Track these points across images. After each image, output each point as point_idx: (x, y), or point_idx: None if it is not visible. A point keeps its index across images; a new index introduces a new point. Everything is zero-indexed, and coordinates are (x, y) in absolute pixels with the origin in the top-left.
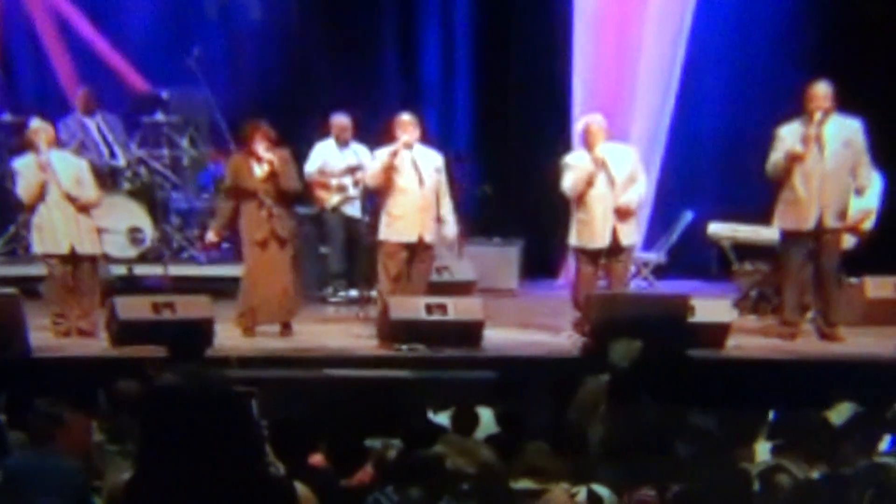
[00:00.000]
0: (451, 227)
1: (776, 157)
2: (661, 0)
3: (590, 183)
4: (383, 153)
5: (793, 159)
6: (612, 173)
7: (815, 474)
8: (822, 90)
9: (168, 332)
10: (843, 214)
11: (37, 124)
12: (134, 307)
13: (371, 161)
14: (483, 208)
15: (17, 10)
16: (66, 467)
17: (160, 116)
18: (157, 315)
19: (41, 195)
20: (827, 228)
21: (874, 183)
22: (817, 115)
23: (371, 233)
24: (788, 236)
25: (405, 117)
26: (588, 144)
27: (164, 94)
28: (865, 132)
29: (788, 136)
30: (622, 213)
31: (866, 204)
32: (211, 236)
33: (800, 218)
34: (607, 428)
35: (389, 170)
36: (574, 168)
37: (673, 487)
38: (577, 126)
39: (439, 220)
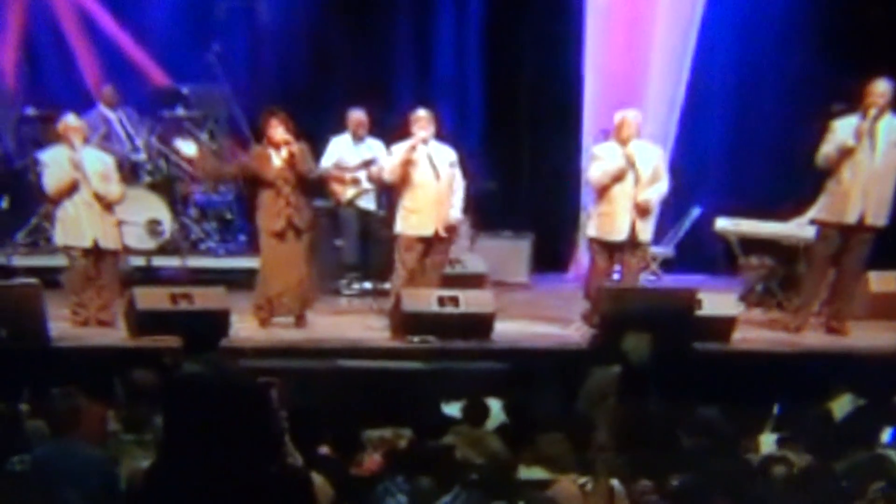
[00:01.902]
0: (456, 213)
1: (827, 148)
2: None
3: (618, 178)
4: (400, 148)
5: (845, 152)
6: (638, 170)
7: (817, 465)
8: (881, 87)
9: (185, 323)
10: (884, 213)
11: (73, 121)
12: (152, 298)
13: (387, 156)
14: (494, 202)
15: (41, 6)
16: (92, 456)
17: (181, 111)
18: (174, 305)
19: (70, 192)
20: (866, 225)
21: None
22: (872, 111)
23: (387, 226)
24: (825, 227)
25: (421, 113)
26: (621, 138)
27: (185, 89)
28: None
29: (842, 129)
30: (641, 210)
31: None
32: (194, 153)
33: (843, 210)
34: (615, 419)
35: (407, 164)
36: (602, 160)
37: (673, 479)
38: (615, 117)
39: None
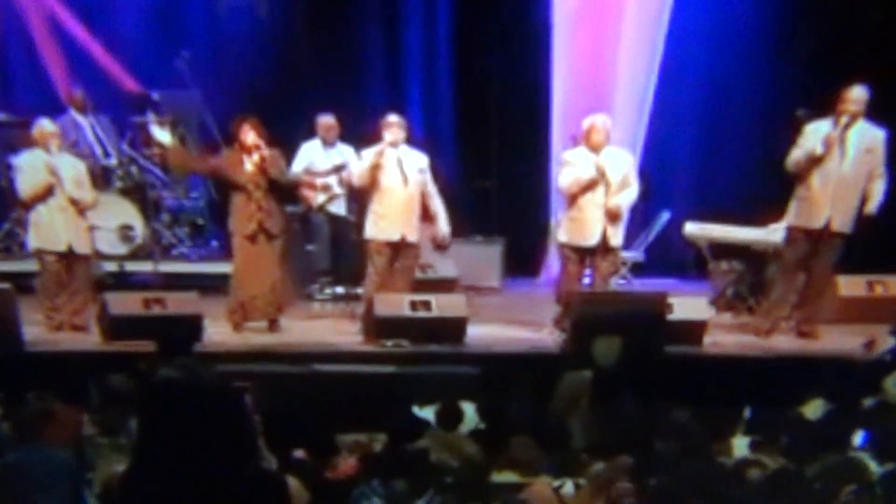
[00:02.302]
0: (444, 224)
1: (798, 153)
2: (637, 5)
3: (588, 188)
4: (370, 153)
5: (813, 161)
6: (608, 177)
7: (790, 469)
8: (855, 94)
9: (158, 328)
10: (850, 220)
11: (49, 126)
12: (125, 303)
13: (357, 161)
14: (465, 208)
15: (11, 13)
16: (59, 460)
17: (151, 116)
18: (147, 310)
19: (45, 196)
20: (833, 231)
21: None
22: (843, 119)
23: (357, 231)
24: (795, 232)
25: (392, 118)
26: (591, 143)
27: (155, 95)
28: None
29: (813, 134)
30: (612, 215)
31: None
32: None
33: (811, 216)
34: (588, 423)
35: (375, 169)
36: (573, 166)
37: (651, 481)
38: (584, 123)
39: (429, 218)
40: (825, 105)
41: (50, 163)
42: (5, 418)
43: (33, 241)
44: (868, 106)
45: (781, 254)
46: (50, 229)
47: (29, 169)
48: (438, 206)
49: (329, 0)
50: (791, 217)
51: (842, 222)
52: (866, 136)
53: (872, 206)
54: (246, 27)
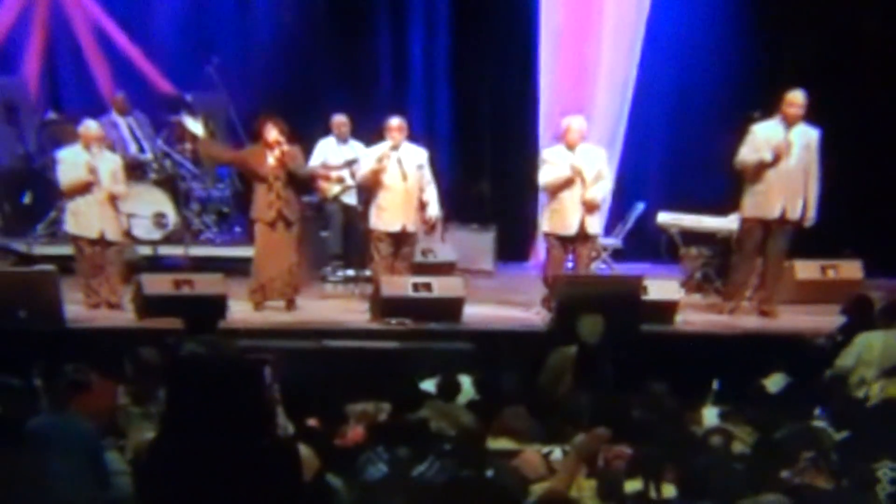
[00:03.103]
0: (434, 209)
1: (745, 151)
2: (615, 20)
3: (566, 185)
4: (373, 153)
5: (762, 166)
6: (583, 172)
7: (755, 436)
8: (799, 97)
9: (186, 306)
10: (799, 208)
11: (94, 129)
12: (157, 283)
13: (363, 158)
14: (462, 199)
15: (60, 22)
16: (80, 429)
17: (184, 115)
18: (177, 290)
19: (83, 191)
20: (787, 220)
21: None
22: (793, 120)
23: (363, 221)
24: (750, 223)
25: (394, 122)
26: (567, 142)
27: (188, 97)
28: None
29: (760, 132)
30: (589, 206)
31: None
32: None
33: (767, 208)
34: (572, 394)
35: (377, 172)
36: (551, 164)
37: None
38: (562, 123)
39: (422, 206)
40: (776, 106)
41: (90, 162)
42: (45, 388)
43: (70, 227)
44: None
45: (740, 242)
46: (85, 218)
47: (70, 164)
48: (431, 194)
49: (343, 13)
50: (747, 209)
51: (793, 211)
52: (806, 134)
53: (814, 195)
54: (269, 36)
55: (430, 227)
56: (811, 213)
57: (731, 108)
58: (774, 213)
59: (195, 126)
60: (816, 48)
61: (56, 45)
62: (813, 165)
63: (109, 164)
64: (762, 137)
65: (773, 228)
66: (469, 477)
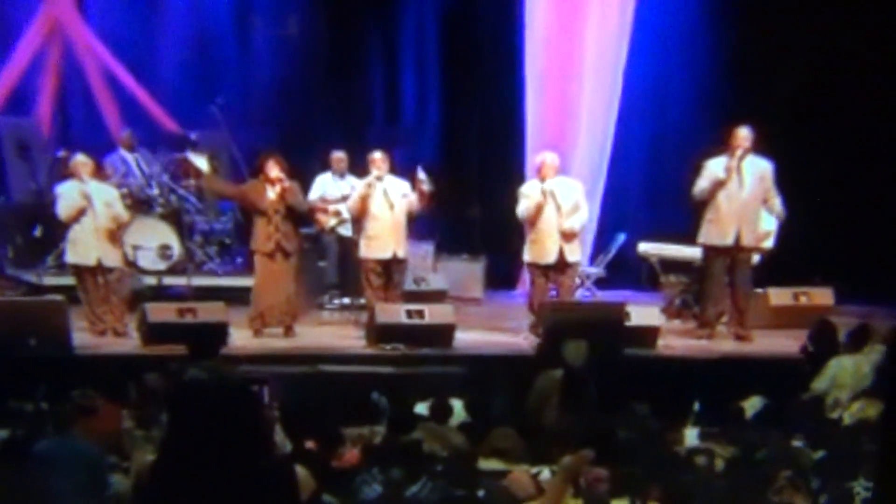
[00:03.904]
0: (427, 183)
1: (702, 183)
2: (596, 63)
3: (539, 210)
4: (359, 184)
5: (717, 185)
6: (559, 202)
7: (736, 456)
8: (744, 132)
9: (189, 333)
10: (755, 235)
11: (82, 159)
12: (161, 311)
13: (352, 190)
14: (453, 230)
15: (72, 65)
16: (83, 452)
17: (189, 153)
18: (180, 318)
19: (78, 217)
20: (743, 246)
21: (778, 210)
22: (738, 152)
23: (356, 250)
24: (710, 251)
25: (377, 155)
26: (542, 176)
27: (192, 135)
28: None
29: (713, 166)
30: (567, 236)
31: (767, 227)
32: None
33: (721, 234)
34: (559, 416)
35: (365, 199)
36: (527, 197)
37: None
38: (536, 159)
39: (417, 183)
40: (726, 142)
41: (83, 189)
42: (53, 413)
43: (69, 256)
44: (753, 142)
45: (704, 270)
46: (83, 247)
47: (66, 195)
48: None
49: (339, 56)
50: (704, 237)
51: (748, 238)
52: (757, 166)
53: (772, 220)
54: (269, 78)
55: (424, 199)
56: (768, 242)
57: (703, 145)
58: (728, 240)
59: (200, 162)
60: (782, 87)
61: (67, 87)
62: (770, 195)
63: (104, 195)
64: (714, 169)
65: (734, 256)
66: (461, 497)
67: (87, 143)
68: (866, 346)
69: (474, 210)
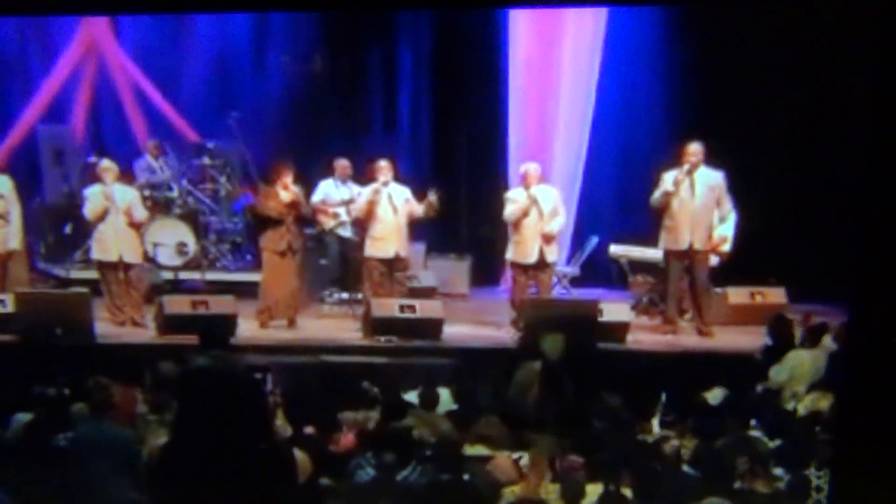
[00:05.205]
0: (433, 196)
1: (656, 193)
2: (571, 82)
3: (524, 214)
4: (366, 191)
5: (667, 196)
6: (541, 207)
7: (697, 444)
8: (693, 147)
9: (202, 324)
10: (707, 240)
11: (107, 164)
12: (177, 304)
13: (360, 195)
14: (442, 232)
15: (105, 81)
16: (121, 435)
17: (206, 160)
18: (194, 310)
19: (103, 217)
20: (696, 250)
21: (730, 216)
22: (686, 166)
23: (359, 250)
24: (668, 254)
25: (382, 163)
26: (525, 184)
27: (210, 144)
28: (725, 179)
29: (668, 177)
30: (546, 238)
31: (724, 232)
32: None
33: (676, 240)
34: (538, 404)
35: (371, 204)
36: (513, 201)
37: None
38: (520, 169)
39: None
40: (678, 156)
41: (106, 191)
42: (75, 399)
43: (94, 253)
44: (704, 155)
45: (664, 272)
46: (105, 244)
47: (92, 197)
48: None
49: (342, 76)
50: (663, 242)
51: (700, 243)
52: (708, 177)
53: (726, 224)
54: (281, 94)
55: (431, 212)
56: (725, 246)
57: (669, 155)
58: (683, 245)
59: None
60: (737, 101)
61: (100, 100)
62: (722, 201)
63: (126, 196)
64: (668, 180)
65: (692, 258)
66: (448, 480)
67: (117, 151)
68: (822, 342)
69: (462, 214)
